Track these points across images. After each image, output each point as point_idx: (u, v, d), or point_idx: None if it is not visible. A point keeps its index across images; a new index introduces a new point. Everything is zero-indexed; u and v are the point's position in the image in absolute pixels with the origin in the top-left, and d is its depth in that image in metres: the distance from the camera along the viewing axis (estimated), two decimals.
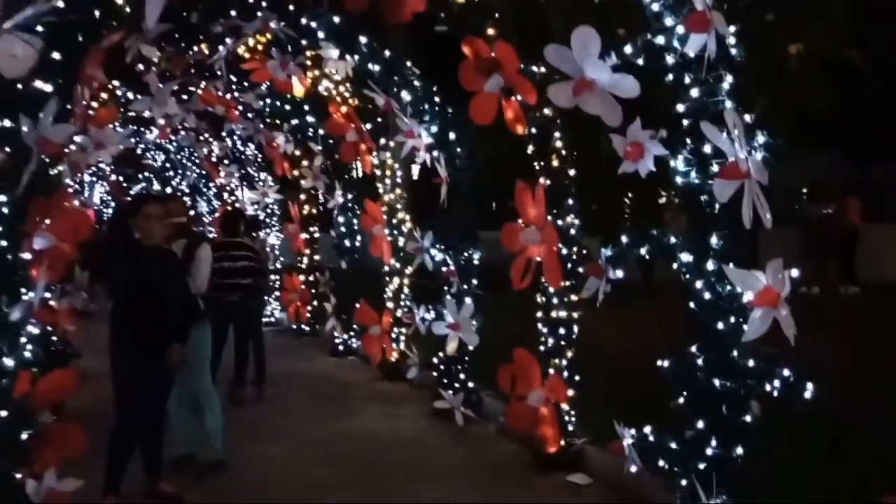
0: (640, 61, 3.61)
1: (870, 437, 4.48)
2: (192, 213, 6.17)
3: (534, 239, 4.65)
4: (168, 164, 14.01)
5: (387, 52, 5.85)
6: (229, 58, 6.65)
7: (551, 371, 4.76)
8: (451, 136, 5.79)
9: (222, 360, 6.26)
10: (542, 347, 4.86)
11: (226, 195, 12.49)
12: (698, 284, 3.28)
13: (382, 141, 7.20)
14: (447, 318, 5.77)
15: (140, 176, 15.75)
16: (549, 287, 4.73)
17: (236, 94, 8.21)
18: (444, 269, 6.08)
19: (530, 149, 4.85)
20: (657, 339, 4.08)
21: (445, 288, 6.06)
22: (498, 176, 6.98)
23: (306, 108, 7.98)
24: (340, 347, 8.77)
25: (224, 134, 10.40)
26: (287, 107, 8.13)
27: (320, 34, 5.66)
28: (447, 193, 5.87)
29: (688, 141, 3.38)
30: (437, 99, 5.89)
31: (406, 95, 5.82)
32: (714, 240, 3.27)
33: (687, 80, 3.37)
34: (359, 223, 8.33)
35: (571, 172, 4.79)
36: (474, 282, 5.94)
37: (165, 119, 9.60)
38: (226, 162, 11.64)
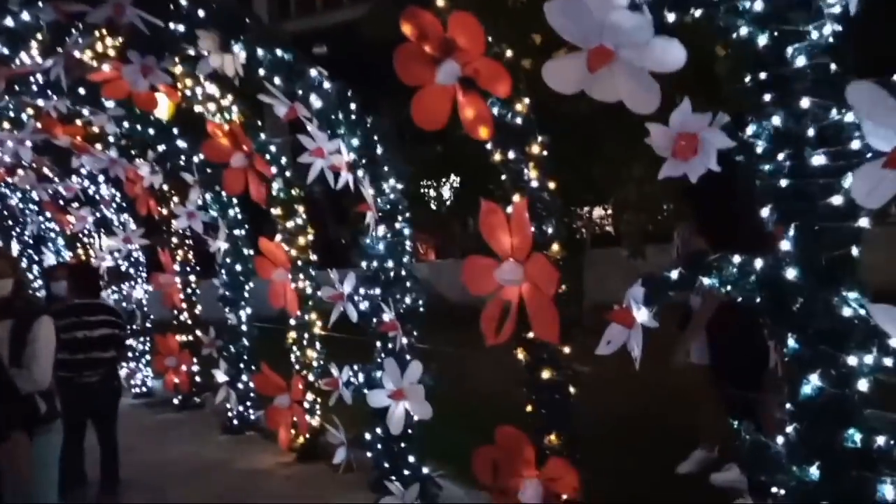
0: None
1: None
2: (23, 274, 4.43)
3: (514, 277, 3.46)
4: (4, 212, 11.70)
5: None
6: (70, 66, 5.06)
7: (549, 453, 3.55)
8: (378, 149, 4.53)
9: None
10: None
11: (79, 245, 10.49)
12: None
13: (282, 162, 5.79)
14: (386, 383, 4.45)
15: None
16: (539, 340, 3.54)
17: (85, 115, 6.54)
18: (374, 320, 4.77)
19: (497, 157, 3.67)
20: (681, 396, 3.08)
21: (378, 344, 4.74)
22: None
23: (175, 129, 6.41)
24: (235, 422, 7.13)
25: (74, 168, 8.51)
26: (150, 129, 6.53)
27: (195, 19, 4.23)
28: (376, 223, 4.60)
29: (772, 123, 2.35)
30: (353, 106, 4.61)
31: (315, 101, 4.50)
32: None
33: (763, 41, 2.34)
34: (251, 267, 6.83)
35: (551, 186, 3.65)
36: (414, 333, 4.67)
37: None
38: (75, 205, 9.70)
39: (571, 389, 3.63)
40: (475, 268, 3.70)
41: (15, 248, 12.36)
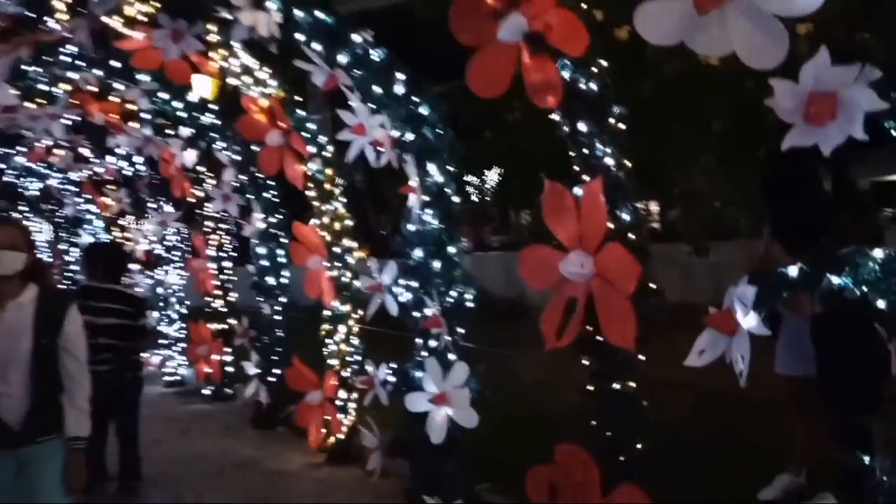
0: None
1: None
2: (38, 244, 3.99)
3: (582, 270, 2.95)
4: (46, 193, 11.57)
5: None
6: (95, 30, 4.70)
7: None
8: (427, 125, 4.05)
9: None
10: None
11: (116, 228, 10.28)
12: None
13: (321, 140, 5.35)
14: (427, 385, 3.98)
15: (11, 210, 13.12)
16: (611, 343, 3.01)
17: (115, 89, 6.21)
18: (416, 314, 4.31)
19: (565, 130, 3.16)
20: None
21: (419, 341, 4.28)
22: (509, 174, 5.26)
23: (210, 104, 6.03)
24: (266, 417, 6.74)
25: (111, 147, 8.23)
26: (181, 104, 6.16)
27: None
28: (421, 207, 4.14)
29: None
30: (400, 76, 4.14)
31: (358, 69, 4.05)
32: None
33: None
34: (286, 254, 6.44)
35: (628, 165, 3.13)
36: (460, 331, 4.19)
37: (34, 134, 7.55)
38: (111, 187, 9.47)
39: (645, 403, 3.10)
40: (536, 259, 3.21)
41: (49, 230, 12.29)
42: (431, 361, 3.96)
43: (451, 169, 4.19)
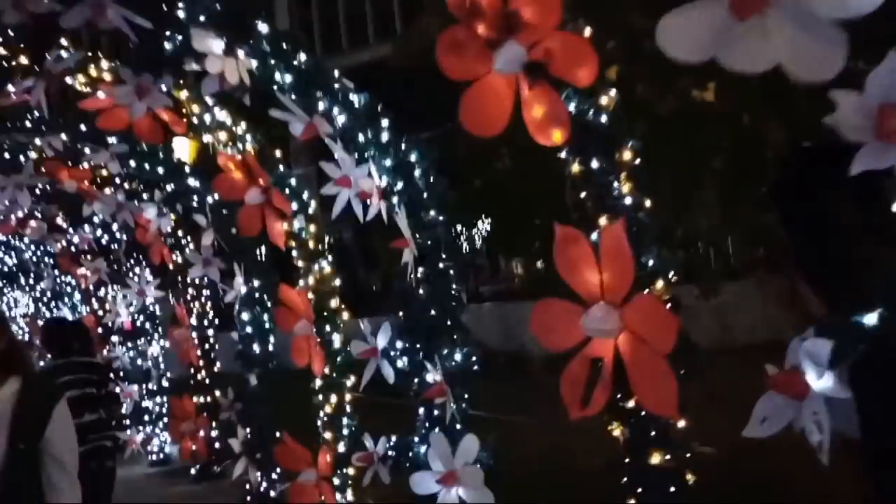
0: None
1: None
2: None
3: (608, 326, 2.56)
4: (17, 267, 11.14)
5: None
6: (52, 89, 4.37)
7: None
8: (416, 172, 3.71)
9: None
10: None
11: (94, 300, 9.84)
12: None
13: (304, 197, 4.99)
14: (434, 464, 3.53)
15: None
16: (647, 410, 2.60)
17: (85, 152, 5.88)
18: (415, 381, 3.88)
19: (574, 168, 2.80)
20: None
21: (422, 411, 3.84)
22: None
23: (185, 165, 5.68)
24: (259, 497, 6.20)
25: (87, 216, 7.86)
26: (157, 167, 5.81)
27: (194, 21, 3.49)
28: (414, 262, 3.76)
29: None
30: (385, 122, 3.81)
31: (340, 116, 3.71)
32: None
33: None
34: (271, 319, 6.01)
35: (647, 204, 2.77)
36: (466, 398, 3.76)
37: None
38: (88, 256, 9.06)
39: (690, 477, 2.67)
40: (550, 314, 2.80)
41: (30, 305, 11.81)
42: (437, 437, 3.52)
43: (444, 218, 3.85)
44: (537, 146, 2.78)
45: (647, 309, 2.46)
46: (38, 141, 5.73)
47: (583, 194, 2.83)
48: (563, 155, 2.82)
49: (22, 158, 6.09)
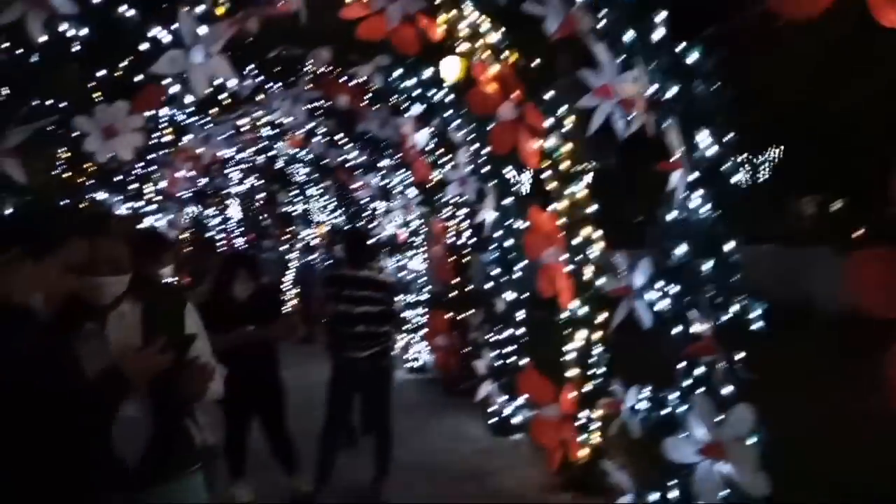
0: None
1: None
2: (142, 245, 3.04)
3: None
4: (309, 179, 12.20)
5: None
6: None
7: None
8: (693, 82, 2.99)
9: None
10: None
11: (365, 213, 10.47)
12: None
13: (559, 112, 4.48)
14: (695, 429, 2.97)
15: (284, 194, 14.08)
16: None
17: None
18: (677, 329, 3.28)
19: None
20: None
21: (683, 365, 3.25)
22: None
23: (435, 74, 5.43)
24: (500, 422, 6.12)
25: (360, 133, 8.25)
26: (412, 79, 5.68)
27: None
28: (687, 189, 3.11)
29: None
30: (656, 19, 3.11)
31: (602, 11, 3.11)
32: None
33: None
34: (519, 244, 5.70)
35: None
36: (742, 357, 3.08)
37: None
38: (360, 171, 9.56)
39: None
40: (878, 269, 2.04)
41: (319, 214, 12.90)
42: (702, 397, 2.94)
43: (729, 138, 3.10)
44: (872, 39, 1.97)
45: None
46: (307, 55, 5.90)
47: None
48: None
49: (295, 74, 6.37)
